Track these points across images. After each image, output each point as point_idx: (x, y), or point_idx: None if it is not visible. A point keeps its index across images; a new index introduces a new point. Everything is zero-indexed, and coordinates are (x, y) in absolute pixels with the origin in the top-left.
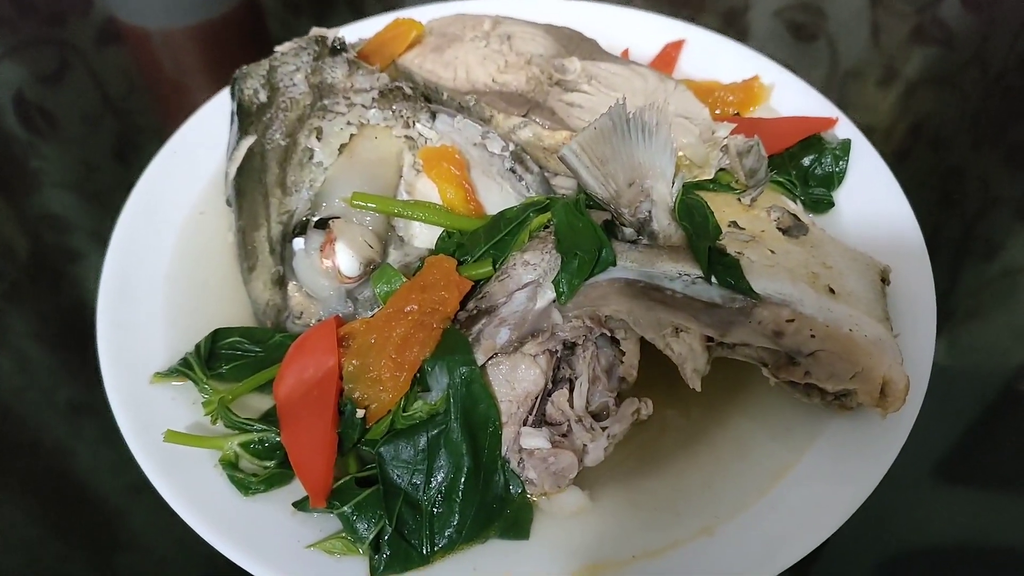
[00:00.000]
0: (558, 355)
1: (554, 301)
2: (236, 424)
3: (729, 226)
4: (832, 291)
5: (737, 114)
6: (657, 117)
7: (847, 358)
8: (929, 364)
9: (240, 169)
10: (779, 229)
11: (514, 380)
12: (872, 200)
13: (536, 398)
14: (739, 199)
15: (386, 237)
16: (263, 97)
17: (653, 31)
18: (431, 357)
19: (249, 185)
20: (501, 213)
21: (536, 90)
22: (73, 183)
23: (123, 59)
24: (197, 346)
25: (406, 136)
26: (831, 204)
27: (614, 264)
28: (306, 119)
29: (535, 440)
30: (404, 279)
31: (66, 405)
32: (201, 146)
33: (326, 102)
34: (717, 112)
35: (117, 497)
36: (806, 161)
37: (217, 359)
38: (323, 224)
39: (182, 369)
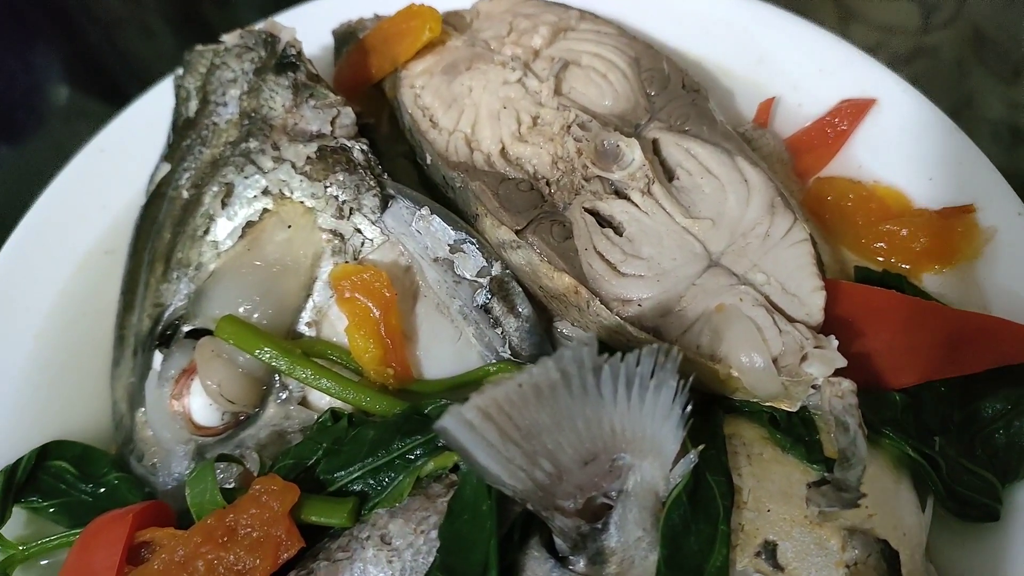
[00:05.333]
0: None
1: None
2: None
3: (757, 554)
4: None
5: (898, 281)
6: (670, 362)
7: None
8: None
9: (144, 209)
10: None
11: None
12: None
13: None
14: (808, 495)
15: (268, 382)
16: (192, 109)
17: (828, 70)
18: None
19: (142, 239)
20: (414, 408)
21: (561, 183)
22: None
23: None
24: (16, 464)
25: (333, 231)
26: (993, 516)
27: None
28: (222, 165)
29: None
30: (218, 500)
31: None
32: (134, 151)
33: (251, 144)
34: (881, 259)
35: None
36: (987, 410)
37: (36, 487)
38: (199, 334)
39: None
